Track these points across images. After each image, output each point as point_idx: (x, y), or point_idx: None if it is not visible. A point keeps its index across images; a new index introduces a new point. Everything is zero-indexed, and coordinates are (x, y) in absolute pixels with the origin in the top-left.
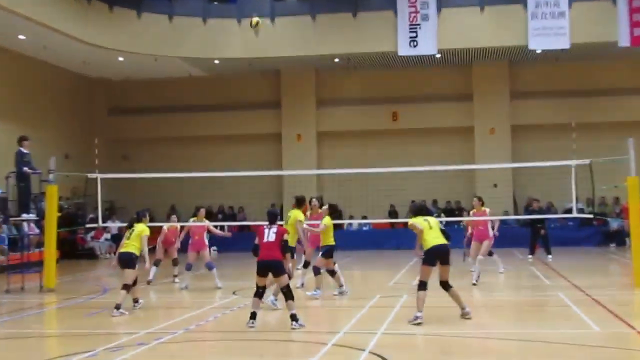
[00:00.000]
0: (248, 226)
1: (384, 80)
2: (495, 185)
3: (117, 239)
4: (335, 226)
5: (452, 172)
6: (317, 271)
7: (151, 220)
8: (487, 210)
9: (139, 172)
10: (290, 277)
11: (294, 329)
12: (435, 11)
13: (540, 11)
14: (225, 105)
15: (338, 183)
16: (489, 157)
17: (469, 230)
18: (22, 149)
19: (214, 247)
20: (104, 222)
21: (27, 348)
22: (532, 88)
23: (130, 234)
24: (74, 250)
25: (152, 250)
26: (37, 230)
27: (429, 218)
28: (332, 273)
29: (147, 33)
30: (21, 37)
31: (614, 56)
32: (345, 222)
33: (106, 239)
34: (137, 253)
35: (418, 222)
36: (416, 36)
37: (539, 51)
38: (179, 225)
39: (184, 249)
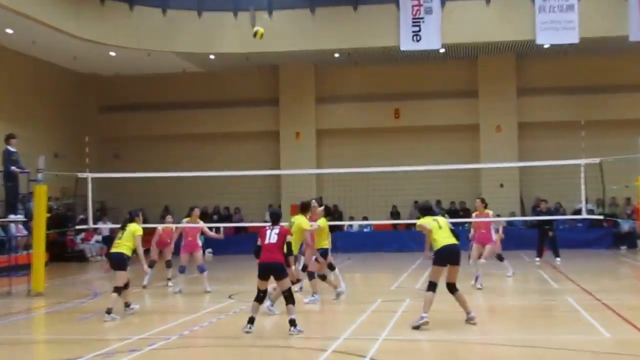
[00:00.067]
0: (244, 228)
1: (385, 76)
2: (502, 185)
3: (108, 240)
4: (335, 227)
5: (457, 171)
6: (311, 275)
7: (144, 222)
8: (490, 212)
9: (131, 171)
10: (295, 281)
11: (292, 334)
12: (439, 4)
13: (548, 4)
14: (221, 102)
15: (338, 183)
16: (494, 156)
17: (471, 232)
18: (9, 147)
19: (209, 250)
20: (94, 223)
21: (14, 355)
22: (540, 84)
23: (122, 233)
24: (63, 252)
25: (146, 252)
26: (25, 232)
27: (438, 218)
28: (323, 277)
29: (140, 27)
30: (9, 31)
31: (624, 51)
32: (346, 223)
33: (97, 241)
34: (129, 253)
35: (427, 222)
36: (419, 30)
37: (546, 46)
38: (174, 226)
39: (176, 250)
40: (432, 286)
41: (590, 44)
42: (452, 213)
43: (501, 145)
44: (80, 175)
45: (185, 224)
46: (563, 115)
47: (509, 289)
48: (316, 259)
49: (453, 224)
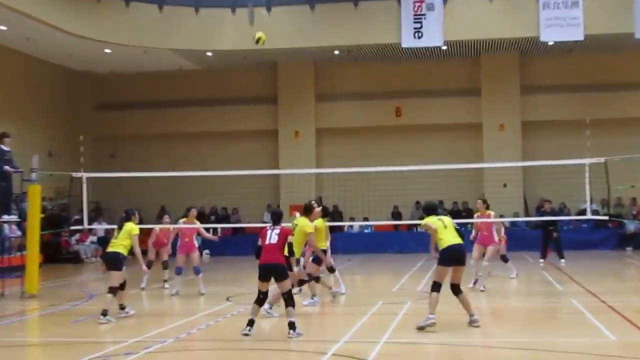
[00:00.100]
0: (242, 228)
1: (386, 74)
2: (505, 185)
3: (103, 242)
4: (335, 228)
5: (459, 171)
6: (309, 277)
7: (140, 222)
8: (492, 213)
9: (126, 171)
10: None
11: (291, 337)
12: (441, 0)
13: (552, 0)
14: (219, 100)
15: (338, 183)
16: (498, 155)
17: (472, 234)
18: (2, 146)
19: (207, 251)
20: (89, 224)
21: (7, 358)
22: (544, 82)
23: (119, 233)
24: (57, 253)
25: (143, 253)
26: (18, 233)
27: (443, 217)
28: (317, 279)
29: (136, 23)
30: (2, 27)
31: (630, 48)
32: (346, 224)
33: (92, 242)
34: (125, 253)
35: (432, 221)
36: (421, 27)
37: (551, 43)
38: (171, 226)
39: (174, 251)
40: (436, 286)
41: (595, 41)
42: (454, 214)
43: (504, 144)
44: (74, 174)
45: (182, 224)
46: (567, 113)
47: (512, 290)
48: (314, 260)
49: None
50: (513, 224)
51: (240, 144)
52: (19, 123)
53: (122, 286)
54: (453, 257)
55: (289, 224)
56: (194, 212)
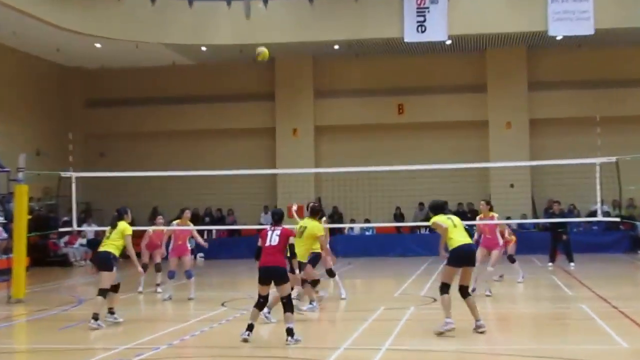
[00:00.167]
0: (238, 230)
1: (388, 70)
2: (512, 186)
3: (93, 244)
4: (335, 230)
5: (464, 171)
6: (315, 282)
7: (132, 223)
8: (496, 215)
9: (117, 170)
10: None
11: (289, 344)
12: None
13: None
14: (214, 96)
15: (338, 183)
16: (504, 154)
17: (475, 236)
18: None
19: (201, 254)
20: (79, 225)
21: None
22: (553, 78)
23: (111, 232)
24: (45, 256)
25: (137, 256)
26: (4, 235)
27: (452, 216)
28: (316, 282)
29: (128, 17)
30: None
31: None
32: (347, 225)
33: (81, 245)
34: (116, 253)
35: (441, 220)
36: (424, 21)
37: (559, 37)
38: (165, 228)
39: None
40: (446, 288)
41: (606, 36)
42: (459, 215)
43: (511, 143)
44: (63, 174)
45: (175, 226)
46: (577, 111)
47: (519, 295)
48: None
49: None
50: (521, 226)
51: (236, 143)
52: (5, 120)
53: (116, 288)
54: (463, 257)
55: (293, 226)
56: (187, 213)
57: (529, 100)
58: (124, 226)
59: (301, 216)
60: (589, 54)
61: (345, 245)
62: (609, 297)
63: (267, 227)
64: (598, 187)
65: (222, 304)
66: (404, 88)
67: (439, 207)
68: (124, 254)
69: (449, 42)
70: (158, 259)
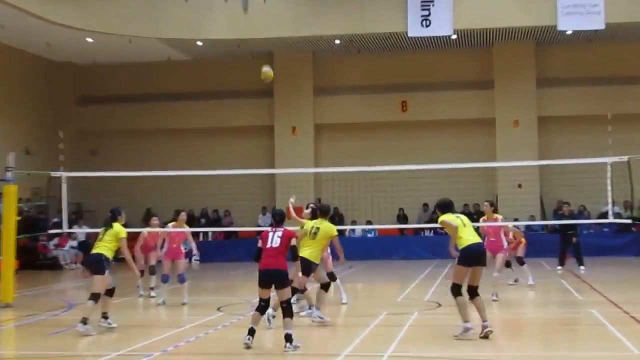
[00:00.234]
0: (235, 232)
1: (391, 66)
2: (520, 186)
3: (84, 246)
4: None
5: (470, 171)
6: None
7: (125, 225)
8: (500, 217)
9: (109, 169)
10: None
11: (287, 351)
12: None
13: None
14: (210, 93)
15: (338, 183)
16: (512, 153)
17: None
18: None
19: (196, 257)
20: (69, 227)
21: None
22: (562, 74)
23: (104, 234)
24: (34, 259)
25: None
26: None
27: (460, 215)
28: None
29: (121, 10)
30: None
31: None
32: (348, 227)
33: (72, 247)
34: (109, 256)
35: (450, 218)
36: (429, 14)
37: (569, 32)
38: (160, 230)
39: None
40: (457, 289)
41: (617, 30)
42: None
43: (519, 141)
44: (53, 173)
45: (171, 228)
46: (587, 108)
47: (527, 300)
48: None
49: None
50: (529, 228)
51: (233, 141)
52: None
53: (111, 293)
54: (474, 256)
55: (297, 228)
56: (183, 216)
57: (537, 98)
58: (118, 228)
59: (300, 215)
60: (599, 50)
61: (346, 248)
62: (620, 302)
63: (268, 228)
64: (609, 187)
65: (218, 309)
66: (407, 85)
67: (447, 206)
68: (117, 257)
69: (454, 36)
70: (152, 262)
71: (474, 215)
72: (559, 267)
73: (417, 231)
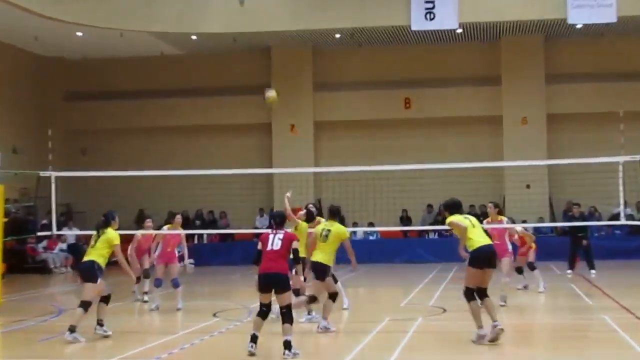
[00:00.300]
0: (231, 235)
1: (394, 61)
2: (528, 186)
3: (74, 249)
4: None
5: (476, 170)
6: (296, 293)
7: (117, 228)
8: (505, 219)
9: (100, 169)
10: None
11: (286, 358)
12: None
13: None
14: (205, 89)
15: (339, 183)
16: (520, 152)
17: None
18: None
19: (191, 260)
20: (58, 229)
21: None
22: (572, 70)
23: (96, 240)
24: (22, 262)
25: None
26: None
27: (469, 216)
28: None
29: (112, 3)
30: None
31: None
32: (349, 229)
33: (61, 250)
34: (101, 262)
35: (459, 219)
36: (433, 7)
37: (579, 26)
38: (154, 232)
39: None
40: (470, 294)
41: (629, 24)
42: None
43: (527, 140)
44: (42, 173)
45: (166, 231)
46: (598, 105)
47: (536, 305)
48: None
49: None
50: (537, 230)
51: (229, 139)
52: None
53: (107, 300)
54: (484, 258)
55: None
56: (179, 218)
57: (546, 94)
58: (111, 235)
59: (296, 216)
60: (611, 44)
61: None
62: (633, 307)
63: (268, 230)
64: (621, 188)
65: (214, 315)
66: (411, 80)
67: (455, 206)
68: (111, 260)
69: (459, 30)
70: (146, 265)
71: (481, 216)
72: (569, 271)
73: (421, 233)
